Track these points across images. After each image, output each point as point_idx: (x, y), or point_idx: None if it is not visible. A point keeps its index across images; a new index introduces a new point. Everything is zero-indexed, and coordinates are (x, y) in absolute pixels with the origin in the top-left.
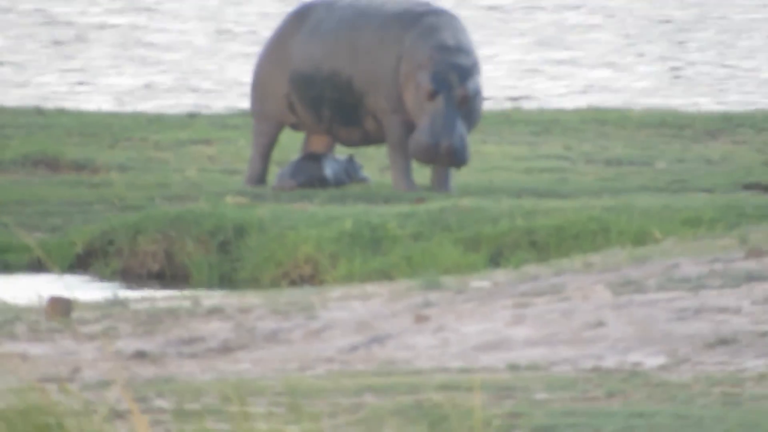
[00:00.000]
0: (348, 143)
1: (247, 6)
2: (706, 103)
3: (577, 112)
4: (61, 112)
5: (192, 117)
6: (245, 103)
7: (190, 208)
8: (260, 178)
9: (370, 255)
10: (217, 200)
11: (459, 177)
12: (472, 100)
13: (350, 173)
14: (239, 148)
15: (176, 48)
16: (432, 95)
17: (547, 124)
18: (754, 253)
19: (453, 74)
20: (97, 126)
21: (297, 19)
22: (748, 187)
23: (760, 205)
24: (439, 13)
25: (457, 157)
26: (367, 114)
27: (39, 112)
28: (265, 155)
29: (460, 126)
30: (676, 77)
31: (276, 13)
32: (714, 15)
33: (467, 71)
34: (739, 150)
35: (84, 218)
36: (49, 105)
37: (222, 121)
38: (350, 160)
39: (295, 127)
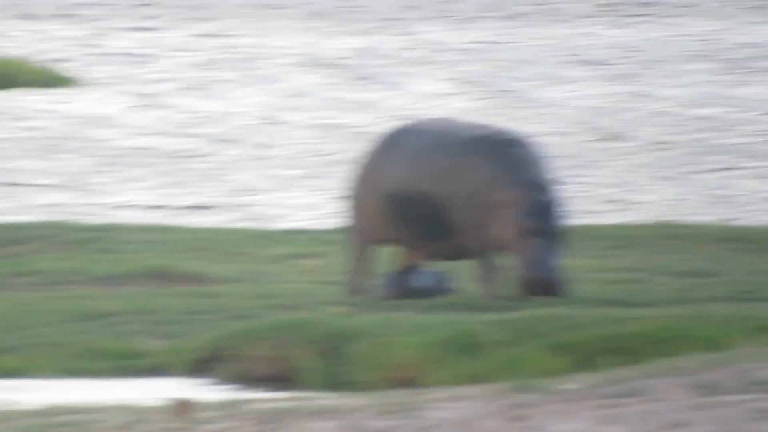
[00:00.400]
0: (436, 258)
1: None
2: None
3: (654, 225)
4: (175, 229)
5: (294, 233)
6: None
7: (298, 316)
8: (359, 290)
9: (466, 360)
10: (321, 309)
11: None
12: (563, 233)
13: (442, 285)
14: (338, 261)
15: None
16: (530, 233)
17: (624, 238)
18: None
19: (546, 211)
20: (209, 241)
21: (388, 144)
22: None
23: None
24: (522, 143)
25: (561, 289)
26: (453, 230)
27: (156, 228)
28: (361, 269)
29: (557, 258)
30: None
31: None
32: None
33: (556, 206)
34: None
35: (198, 327)
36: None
37: (321, 238)
38: (442, 272)
39: (390, 243)
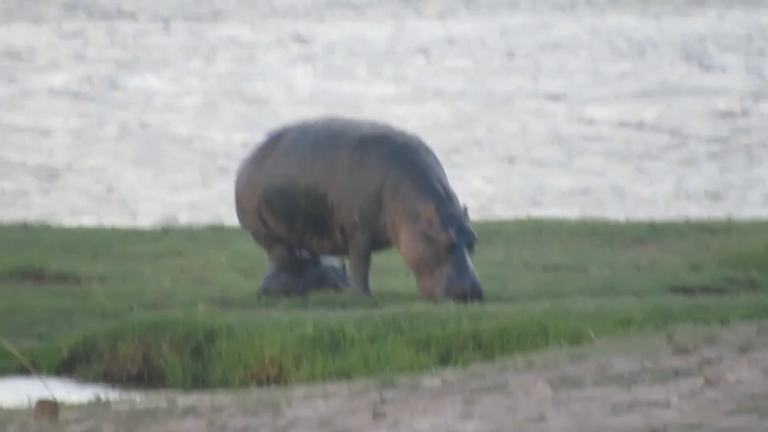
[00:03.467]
0: (318, 253)
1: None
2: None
3: (516, 222)
4: (46, 228)
5: (166, 231)
6: (207, 218)
7: (165, 315)
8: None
9: (330, 356)
10: (189, 308)
11: (410, 284)
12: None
13: (340, 279)
14: (208, 258)
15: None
16: (452, 247)
17: (490, 234)
18: (681, 350)
19: (458, 223)
20: (78, 240)
21: (272, 141)
22: (674, 290)
23: (684, 307)
24: (417, 146)
25: (481, 292)
26: (336, 226)
27: (26, 228)
28: (281, 269)
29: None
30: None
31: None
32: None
33: (464, 216)
34: (664, 256)
35: (67, 326)
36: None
37: (192, 235)
38: (342, 267)
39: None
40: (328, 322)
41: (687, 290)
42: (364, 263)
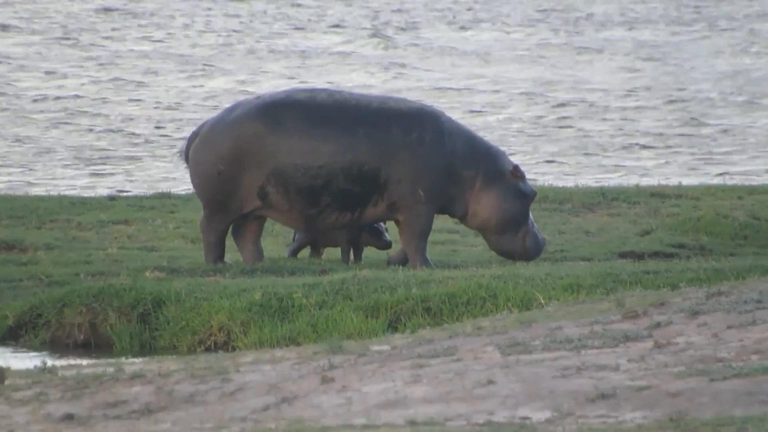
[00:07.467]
0: (330, 227)
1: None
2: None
3: None
4: None
5: (112, 200)
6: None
7: (112, 282)
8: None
9: (279, 323)
10: (136, 275)
11: (367, 251)
12: None
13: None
14: (156, 226)
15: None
16: (532, 200)
17: None
18: (630, 315)
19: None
20: (24, 209)
21: (262, 113)
22: (623, 255)
23: (634, 272)
24: (448, 116)
25: None
26: (384, 201)
27: None
28: (221, 242)
29: None
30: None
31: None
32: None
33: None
34: (614, 222)
35: (14, 294)
36: None
37: (139, 203)
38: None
39: (261, 213)
40: (277, 289)
41: (637, 255)
42: (427, 237)
